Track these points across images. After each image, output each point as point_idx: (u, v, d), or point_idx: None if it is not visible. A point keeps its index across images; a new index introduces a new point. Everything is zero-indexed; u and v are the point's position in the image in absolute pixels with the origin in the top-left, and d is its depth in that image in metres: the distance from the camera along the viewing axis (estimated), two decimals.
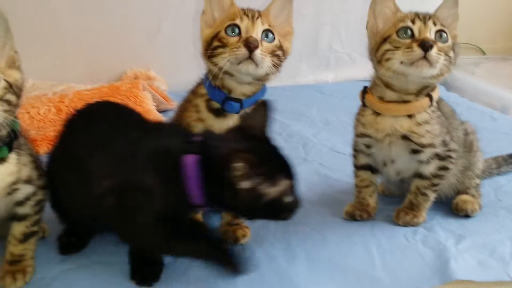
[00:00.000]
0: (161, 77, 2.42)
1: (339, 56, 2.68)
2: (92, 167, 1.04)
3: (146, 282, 1.06)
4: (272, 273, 1.09)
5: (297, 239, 1.20)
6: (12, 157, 1.01)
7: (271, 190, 0.97)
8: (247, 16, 1.14)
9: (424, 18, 1.16)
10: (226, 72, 1.14)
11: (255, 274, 1.08)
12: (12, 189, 1.02)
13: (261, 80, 1.17)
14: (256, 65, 1.11)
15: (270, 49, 1.14)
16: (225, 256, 1.02)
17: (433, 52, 1.11)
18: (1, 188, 1.00)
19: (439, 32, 1.15)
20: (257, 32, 1.13)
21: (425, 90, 1.20)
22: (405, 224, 1.25)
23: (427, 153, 1.22)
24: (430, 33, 1.14)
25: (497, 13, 3.19)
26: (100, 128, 1.09)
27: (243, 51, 1.10)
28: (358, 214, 1.29)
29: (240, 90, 1.18)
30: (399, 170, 1.26)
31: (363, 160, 1.30)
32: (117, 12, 2.45)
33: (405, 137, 1.20)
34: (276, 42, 1.15)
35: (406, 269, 1.11)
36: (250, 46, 1.09)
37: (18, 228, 1.07)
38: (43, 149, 1.70)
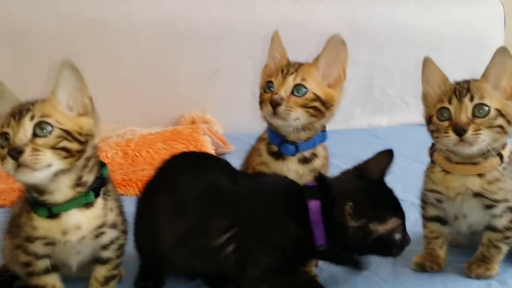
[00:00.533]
0: (217, 120, 2.49)
1: (392, 100, 2.70)
2: (205, 219, 1.09)
3: None
4: None
5: None
6: (99, 202, 1.06)
7: (380, 228, 1.05)
8: (282, 72, 1.23)
9: (461, 93, 1.14)
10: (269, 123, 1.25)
11: None
12: (99, 233, 1.07)
13: (306, 129, 1.23)
14: (283, 119, 1.20)
15: (300, 102, 1.20)
16: None
17: (468, 134, 1.12)
18: (88, 231, 1.05)
19: (478, 106, 1.13)
20: (285, 89, 1.20)
21: (491, 152, 1.17)
22: (478, 277, 1.24)
23: (500, 207, 1.21)
24: (466, 111, 1.13)
25: None
26: (203, 178, 1.13)
27: (269, 108, 1.20)
28: (428, 265, 1.28)
29: (293, 136, 1.24)
30: (471, 224, 1.26)
31: (432, 212, 1.30)
32: (175, 59, 2.55)
33: (477, 195, 1.20)
34: (309, 94, 1.21)
35: None
36: (272, 103, 1.19)
37: (100, 271, 1.12)
38: None
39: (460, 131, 1.12)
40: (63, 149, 0.98)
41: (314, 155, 1.26)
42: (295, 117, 1.19)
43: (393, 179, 1.89)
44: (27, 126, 0.97)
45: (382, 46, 2.65)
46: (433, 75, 1.21)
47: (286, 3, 2.62)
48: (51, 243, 1.04)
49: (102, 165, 1.09)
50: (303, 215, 1.08)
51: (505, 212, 1.21)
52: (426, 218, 1.31)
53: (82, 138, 1.01)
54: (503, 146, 1.21)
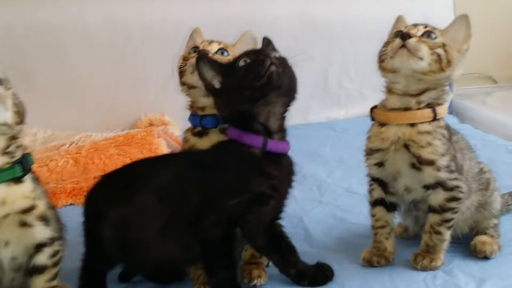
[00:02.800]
0: (175, 122, 2.46)
1: (349, 93, 2.71)
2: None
3: None
4: None
5: None
6: (28, 182, 1.04)
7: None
8: (207, 41, 1.34)
9: (417, 24, 1.23)
10: (191, 86, 1.30)
11: None
12: (25, 220, 1.03)
13: None
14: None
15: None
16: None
17: (411, 40, 1.18)
18: (15, 211, 1.02)
19: (428, 32, 1.21)
20: (211, 48, 1.31)
21: (425, 94, 1.23)
22: (424, 269, 1.24)
23: (427, 175, 1.22)
24: (417, 32, 1.21)
25: (508, 40, 3.17)
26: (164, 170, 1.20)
27: (195, 58, 1.25)
28: (375, 260, 1.27)
29: (212, 110, 1.29)
30: (407, 186, 1.26)
31: (377, 193, 1.30)
32: (132, 61, 2.52)
33: (406, 146, 1.22)
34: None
35: None
36: (200, 52, 1.28)
37: (37, 284, 1.08)
38: (62, 202, 1.73)
39: (405, 35, 1.19)
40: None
41: None
42: None
43: (348, 172, 1.95)
44: None
45: (337, 39, 2.65)
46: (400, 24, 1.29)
47: (238, 0, 2.61)
48: None
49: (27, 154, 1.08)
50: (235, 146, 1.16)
51: (436, 187, 1.22)
52: (372, 203, 1.32)
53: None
54: (438, 104, 1.24)
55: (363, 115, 2.58)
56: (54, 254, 1.09)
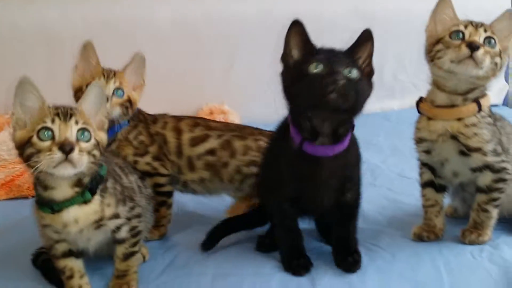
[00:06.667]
0: (235, 110, 2.60)
1: (404, 86, 2.76)
2: None
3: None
4: (343, 286, 1.19)
5: (367, 257, 1.29)
6: (96, 199, 1.15)
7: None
8: (104, 76, 1.49)
9: (476, 25, 1.27)
10: None
11: (326, 286, 1.19)
12: (98, 225, 1.17)
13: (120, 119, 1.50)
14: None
15: (119, 102, 1.46)
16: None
17: (479, 53, 1.22)
18: (87, 225, 1.15)
19: (488, 38, 1.25)
20: (109, 89, 1.47)
21: (472, 93, 1.29)
22: (471, 243, 1.32)
23: (475, 159, 1.29)
24: (479, 38, 1.25)
25: None
26: None
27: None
28: (425, 235, 1.36)
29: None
30: (455, 171, 1.34)
31: (426, 176, 1.40)
32: (196, 54, 2.67)
33: (453, 137, 1.30)
34: (125, 97, 1.49)
35: (473, 286, 1.18)
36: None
37: (119, 250, 1.23)
38: None
39: (474, 47, 1.22)
40: (93, 155, 1.10)
41: (113, 140, 1.50)
42: (114, 112, 1.46)
43: (401, 159, 2.02)
44: (74, 128, 1.08)
45: (393, 33, 2.69)
46: (447, 9, 1.31)
47: None
48: (57, 232, 1.16)
49: (100, 165, 1.16)
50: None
51: (484, 169, 1.30)
52: (422, 185, 1.41)
53: (102, 150, 1.13)
54: (482, 96, 1.31)
55: None
56: (132, 229, 1.23)
